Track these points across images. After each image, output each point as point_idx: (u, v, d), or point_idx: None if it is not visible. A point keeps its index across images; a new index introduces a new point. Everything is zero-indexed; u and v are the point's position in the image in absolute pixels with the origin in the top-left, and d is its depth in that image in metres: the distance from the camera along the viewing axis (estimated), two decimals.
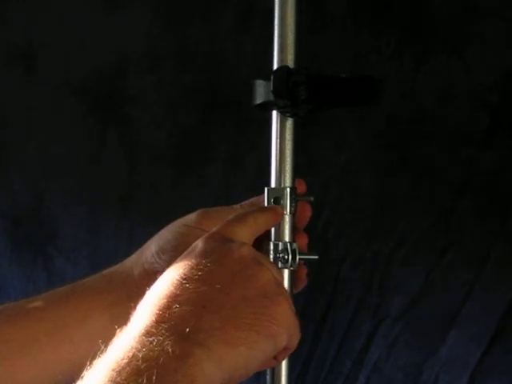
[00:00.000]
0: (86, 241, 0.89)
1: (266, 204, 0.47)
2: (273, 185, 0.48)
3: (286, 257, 0.46)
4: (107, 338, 0.41)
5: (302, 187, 0.47)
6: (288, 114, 0.45)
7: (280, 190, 0.46)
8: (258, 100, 0.44)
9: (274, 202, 0.47)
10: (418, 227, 0.64)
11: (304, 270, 0.53)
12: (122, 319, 0.42)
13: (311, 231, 0.54)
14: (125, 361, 0.28)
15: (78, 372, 0.42)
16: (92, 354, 0.40)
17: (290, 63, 0.44)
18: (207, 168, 0.75)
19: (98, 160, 0.86)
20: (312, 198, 0.47)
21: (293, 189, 0.46)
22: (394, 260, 0.65)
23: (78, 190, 0.89)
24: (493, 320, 0.63)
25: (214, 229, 0.40)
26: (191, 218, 0.47)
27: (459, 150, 0.62)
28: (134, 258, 0.48)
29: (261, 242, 0.51)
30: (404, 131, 0.64)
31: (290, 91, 0.42)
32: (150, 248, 0.47)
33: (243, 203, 0.54)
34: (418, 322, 0.66)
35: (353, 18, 0.64)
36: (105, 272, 0.46)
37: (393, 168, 0.64)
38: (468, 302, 0.64)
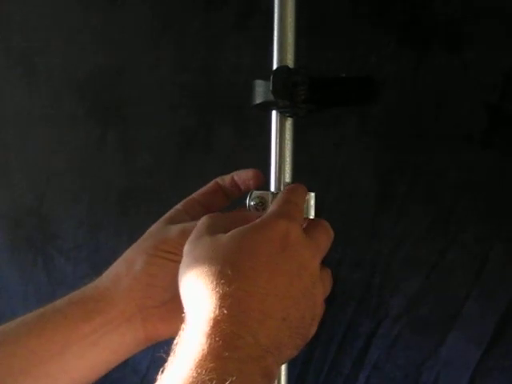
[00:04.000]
0: (86, 241, 0.88)
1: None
2: (273, 185, 0.48)
3: None
4: (86, 365, 0.39)
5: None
6: (288, 114, 0.45)
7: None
8: (258, 100, 0.44)
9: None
10: (418, 227, 0.64)
11: None
12: (103, 344, 0.40)
13: None
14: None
15: None
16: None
17: (290, 63, 0.44)
18: (207, 168, 0.75)
19: (98, 160, 0.86)
20: None
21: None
22: (394, 260, 0.65)
23: (78, 190, 0.89)
24: (493, 320, 0.63)
25: (277, 208, 0.38)
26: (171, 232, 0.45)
27: (459, 150, 0.62)
28: (110, 278, 0.44)
29: None
30: (404, 131, 0.64)
31: (290, 91, 0.42)
32: (141, 255, 0.44)
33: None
34: (418, 322, 0.66)
35: (353, 18, 0.64)
36: (76, 298, 0.42)
37: (392, 168, 0.64)
38: (468, 302, 0.64)
